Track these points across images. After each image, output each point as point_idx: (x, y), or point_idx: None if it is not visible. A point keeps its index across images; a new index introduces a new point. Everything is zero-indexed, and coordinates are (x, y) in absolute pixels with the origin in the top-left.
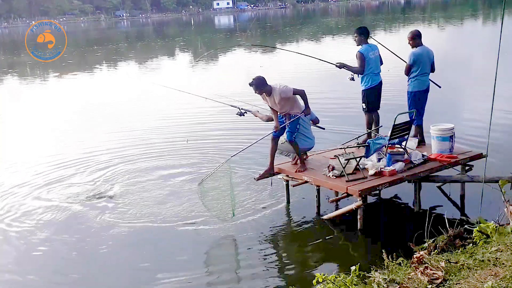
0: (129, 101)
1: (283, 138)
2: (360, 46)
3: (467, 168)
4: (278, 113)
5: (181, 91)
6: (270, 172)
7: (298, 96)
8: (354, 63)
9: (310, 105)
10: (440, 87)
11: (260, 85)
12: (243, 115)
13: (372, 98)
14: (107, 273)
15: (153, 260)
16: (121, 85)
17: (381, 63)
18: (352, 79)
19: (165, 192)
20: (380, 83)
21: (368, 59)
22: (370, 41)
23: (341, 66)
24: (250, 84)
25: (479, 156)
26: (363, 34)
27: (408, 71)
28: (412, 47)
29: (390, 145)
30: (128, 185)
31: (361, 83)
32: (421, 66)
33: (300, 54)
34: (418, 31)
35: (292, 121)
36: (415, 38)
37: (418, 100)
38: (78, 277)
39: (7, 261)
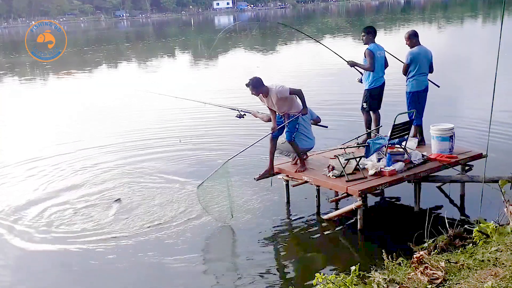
0: (124, 104)
1: (283, 138)
2: (367, 45)
3: (467, 168)
4: (277, 113)
5: (178, 97)
6: (270, 172)
7: (296, 96)
8: (359, 61)
9: (309, 104)
10: (438, 86)
11: (257, 86)
12: (243, 117)
13: (374, 98)
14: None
15: (152, 263)
16: (116, 87)
17: (387, 65)
18: (360, 81)
19: (164, 195)
20: (383, 84)
21: (375, 57)
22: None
23: (352, 64)
24: (247, 85)
25: (479, 156)
26: (370, 33)
27: (405, 71)
28: (410, 47)
29: (390, 145)
30: (123, 189)
31: (365, 81)
32: (418, 66)
33: (319, 43)
34: (414, 31)
35: (291, 121)
36: (412, 38)
37: (417, 100)
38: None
39: None
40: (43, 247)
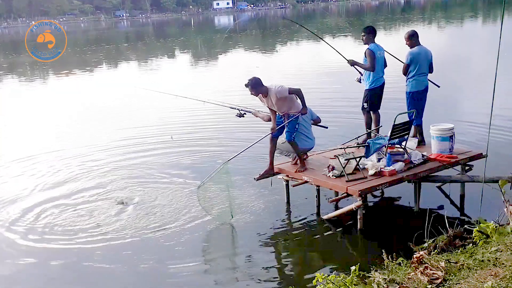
0: (124, 104)
1: (283, 138)
2: (367, 45)
3: (467, 168)
4: (277, 113)
5: (178, 96)
6: (270, 172)
7: (295, 96)
8: (359, 61)
9: (309, 104)
10: (439, 86)
11: (256, 86)
12: (243, 116)
13: (375, 98)
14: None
15: (152, 263)
16: (116, 87)
17: (385, 65)
18: (359, 80)
19: (164, 195)
20: (384, 84)
21: (376, 57)
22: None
23: (352, 63)
24: (246, 85)
25: (479, 156)
26: (370, 33)
27: (405, 71)
28: (410, 47)
29: (390, 145)
30: (123, 189)
31: (365, 82)
32: (418, 66)
33: (321, 40)
34: (414, 31)
35: (291, 121)
36: (411, 38)
37: (417, 100)
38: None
39: None
40: (42, 247)
